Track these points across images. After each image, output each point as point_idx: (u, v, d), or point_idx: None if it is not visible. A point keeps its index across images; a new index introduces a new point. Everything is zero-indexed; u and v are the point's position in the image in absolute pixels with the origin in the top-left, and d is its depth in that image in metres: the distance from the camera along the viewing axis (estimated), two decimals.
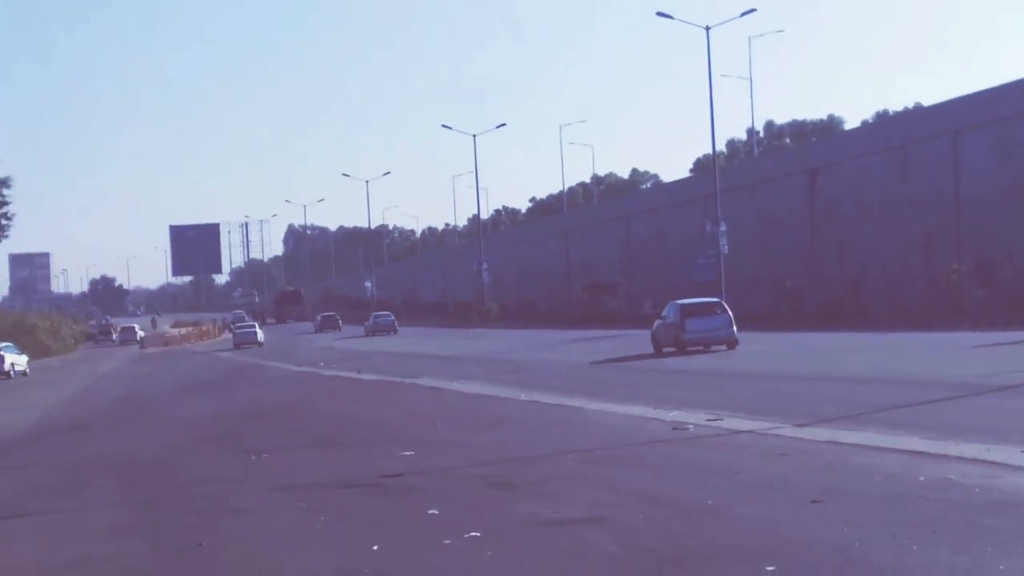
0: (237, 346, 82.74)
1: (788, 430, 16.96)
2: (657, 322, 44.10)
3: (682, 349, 40.54)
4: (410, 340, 74.24)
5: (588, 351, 46.66)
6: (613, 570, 9.07)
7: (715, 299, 46.91)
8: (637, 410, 21.49)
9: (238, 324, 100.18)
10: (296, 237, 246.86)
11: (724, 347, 40.63)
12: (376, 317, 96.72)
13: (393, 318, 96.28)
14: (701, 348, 40.71)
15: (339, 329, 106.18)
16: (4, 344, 63.11)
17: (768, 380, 27.43)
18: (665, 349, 41.52)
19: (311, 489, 14.26)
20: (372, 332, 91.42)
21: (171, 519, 12.98)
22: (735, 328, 41.09)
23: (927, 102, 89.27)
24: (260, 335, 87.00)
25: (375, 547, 10.53)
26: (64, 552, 11.54)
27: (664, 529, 10.53)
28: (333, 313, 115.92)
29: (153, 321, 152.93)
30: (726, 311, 42.20)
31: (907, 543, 9.33)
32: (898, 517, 10.36)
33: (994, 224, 59.40)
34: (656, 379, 30.60)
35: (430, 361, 45.82)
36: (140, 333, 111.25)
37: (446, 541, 10.54)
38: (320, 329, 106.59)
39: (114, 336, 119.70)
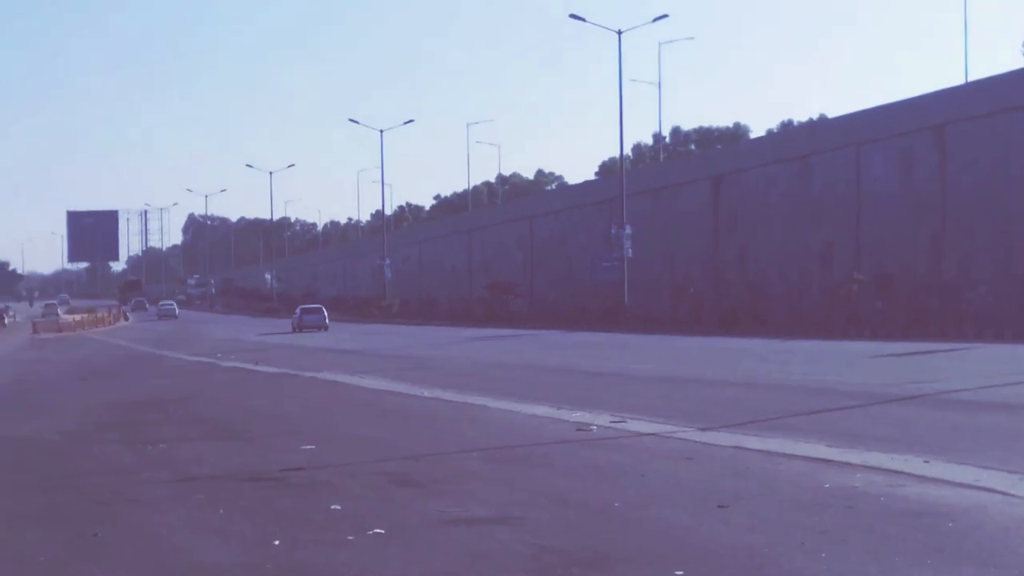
0: (161, 318, 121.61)
1: (693, 434, 16.96)
2: (293, 316, 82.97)
3: (300, 330, 76.95)
4: (297, 335, 73.68)
5: (483, 349, 46.57)
6: (522, 570, 8.94)
7: (318, 305, 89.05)
8: (540, 409, 21.39)
9: (162, 302, 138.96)
10: (196, 227, 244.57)
11: (322, 330, 75.93)
12: (162, 305, 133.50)
13: (174, 305, 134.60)
14: (315, 329, 76.65)
15: (146, 310, 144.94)
16: None
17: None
18: (296, 331, 76.64)
19: (210, 481, 13.99)
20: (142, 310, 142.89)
21: (66, 508, 12.63)
22: (327, 320, 79.63)
23: (831, 114, 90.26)
24: (177, 310, 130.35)
25: (276, 542, 10.31)
26: None
27: (572, 530, 10.42)
28: (142, 298, 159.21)
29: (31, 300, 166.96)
30: (323, 311, 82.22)
31: (816, 550, 9.30)
32: (805, 524, 10.34)
33: (892, 236, 60.23)
34: (539, 377, 30.53)
35: (330, 355, 45.47)
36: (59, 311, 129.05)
37: (350, 537, 10.35)
38: (133, 310, 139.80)
39: (5, 320, 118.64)
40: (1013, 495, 11.43)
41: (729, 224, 74.37)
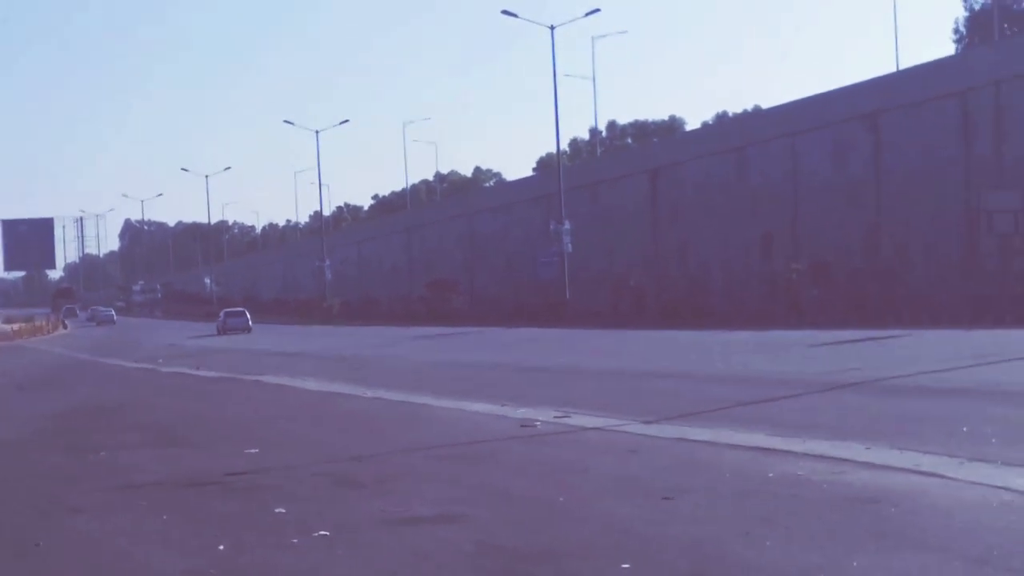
0: (99, 324, 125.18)
1: (637, 427, 16.99)
2: (218, 320, 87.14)
3: (225, 333, 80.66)
4: (240, 337, 73.39)
5: (425, 348, 46.54)
6: (468, 568, 8.92)
7: (241, 308, 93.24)
8: (484, 407, 21.36)
9: (100, 309, 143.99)
10: (133, 232, 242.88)
11: (245, 332, 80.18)
12: (101, 312, 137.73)
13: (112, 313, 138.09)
14: (239, 332, 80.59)
15: (76, 316, 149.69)
16: None
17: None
18: (221, 334, 79.35)
19: (153, 487, 13.87)
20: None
21: (7, 517, 12.46)
22: (250, 323, 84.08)
23: (765, 105, 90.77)
24: (115, 316, 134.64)
25: (221, 547, 10.22)
26: None
27: (518, 527, 10.40)
28: (73, 305, 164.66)
29: None
30: (246, 314, 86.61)
31: (760, 540, 9.32)
32: (750, 513, 10.37)
33: (830, 225, 60.72)
34: (488, 376, 30.50)
35: (271, 358, 45.25)
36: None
37: (294, 540, 10.28)
38: (64, 317, 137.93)
39: None
40: (955, 479, 11.52)
41: (668, 217, 74.66)
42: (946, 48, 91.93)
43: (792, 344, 36.10)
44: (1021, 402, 18.28)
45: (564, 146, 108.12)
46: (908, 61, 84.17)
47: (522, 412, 19.92)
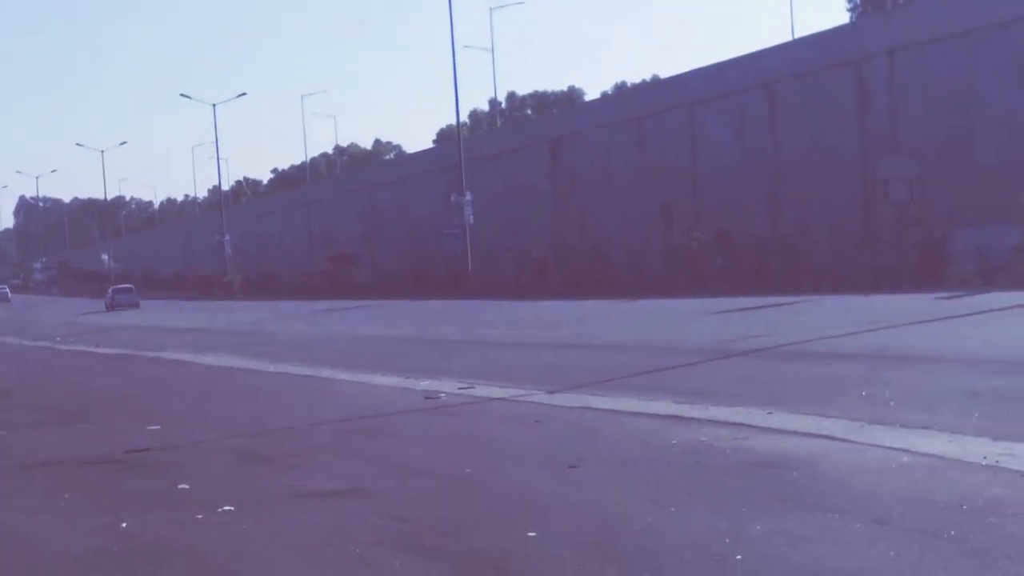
0: None
1: (541, 396, 17.08)
2: (106, 296, 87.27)
3: (113, 309, 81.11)
4: (140, 314, 72.65)
5: (328, 322, 46.34)
6: (375, 541, 8.91)
7: (129, 285, 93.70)
8: (388, 380, 21.36)
9: None
10: (28, 209, 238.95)
11: (134, 308, 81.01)
12: None
13: None
14: (128, 308, 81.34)
15: None
16: None
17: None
18: (109, 311, 79.79)
19: (55, 466, 13.70)
20: None
21: None
22: (139, 299, 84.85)
23: (664, 75, 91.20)
24: (9, 294, 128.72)
25: (124, 524, 10.12)
26: None
27: (424, 499, 10.41)
28: None
29: None
30: (134, 290, 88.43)
31: (665, 506, 9.40)
32: (654, 480, 10.46)
33: (730, 194, 61.14)
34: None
35: (173, 334, 44.86)
36: None
37: (199, 516, 10.20)
38: None
39: None
40: (854, 441, 11.69)
41: (567, 188, 74.86)
42: (840, 17, 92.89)
43: (693, 312, 36.40)
44: (918, 365, 18.58)
45: (464, 118, 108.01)
46: (804, 30, 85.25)
47: (426, 384, 19.94)
